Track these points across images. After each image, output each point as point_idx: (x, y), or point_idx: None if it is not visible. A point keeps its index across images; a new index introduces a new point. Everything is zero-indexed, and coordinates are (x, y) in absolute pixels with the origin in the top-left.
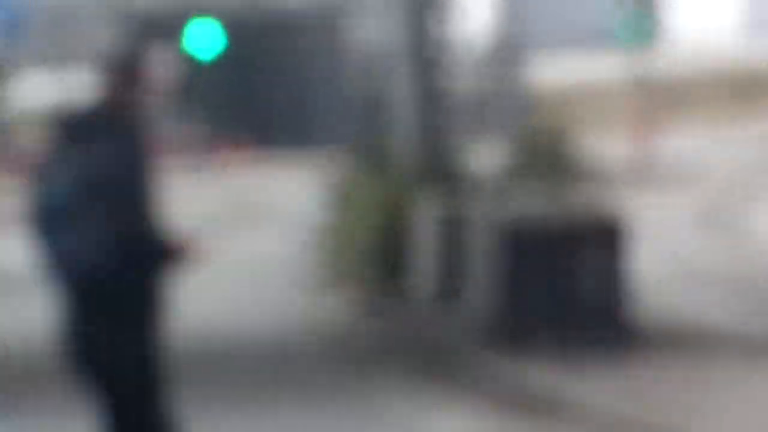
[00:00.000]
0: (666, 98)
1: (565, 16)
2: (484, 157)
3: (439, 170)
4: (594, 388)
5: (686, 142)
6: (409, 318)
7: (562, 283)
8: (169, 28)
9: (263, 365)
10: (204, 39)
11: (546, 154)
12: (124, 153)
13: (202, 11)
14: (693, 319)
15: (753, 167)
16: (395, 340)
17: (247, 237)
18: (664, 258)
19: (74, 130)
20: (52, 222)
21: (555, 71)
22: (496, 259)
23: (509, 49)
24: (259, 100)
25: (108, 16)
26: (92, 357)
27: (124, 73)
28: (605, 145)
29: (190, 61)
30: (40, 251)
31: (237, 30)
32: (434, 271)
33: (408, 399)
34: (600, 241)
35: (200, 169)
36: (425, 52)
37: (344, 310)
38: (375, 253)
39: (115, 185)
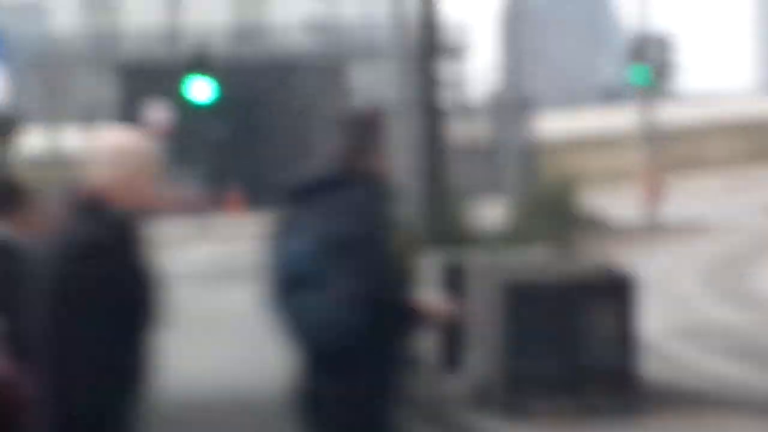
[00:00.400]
0: (677, 154)
1: (573, 72)
2: (490, 210)
3: (443, 224)
4: None
5: (697, 199)
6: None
7: (568, 343)
8: (164, 78)
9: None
10: (201, 88)
11: (552, 209)
12: (368, 208)
13: (199, 60)
14: (701, 377)
15: (763, 225)
16: None
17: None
18: (672, 314)
19: (311, 189)
20: (293, 285)
21: (563, 126)
22: (499, 316)
23: (513, 104)
24: (255, 150)
25: (100, 67)
26: (327, 418)
27: (364, 128)
28: (614, 200)
29: (189, 110)
30: (281, 315)
31: (234, 77)
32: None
33: None
34: (608, 297)
35: None
36: (430, 101)
37: None
38: None
39: (362, 242)
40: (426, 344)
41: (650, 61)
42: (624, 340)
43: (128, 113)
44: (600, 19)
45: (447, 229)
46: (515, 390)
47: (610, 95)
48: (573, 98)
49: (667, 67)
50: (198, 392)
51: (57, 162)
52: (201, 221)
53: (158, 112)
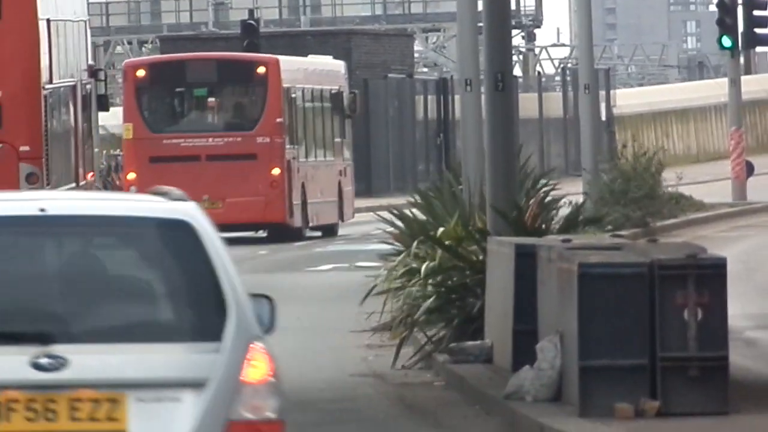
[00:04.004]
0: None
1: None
2: (568, 188)
3: (515, 203)
4: None
5: None
6: (476, 371)
7: (651, 333)
8: None
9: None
10: None
11: (635, 187)
12: None
13: None
14: None
15: None
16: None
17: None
18: (758, 295)
19: None
20: None
21: (645, 99)
22: (574, 305)
23: (593, 76)
24: None
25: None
26: None
27: None
28: (701, 177)
29: None
30: None
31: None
32: (508, 315)
33: None
34: (696, 283)
35: None
36: (504, 72)
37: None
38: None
39: None
40: (496, 339)
41: (739, 29)
42: (713, 329)
43: None
44: None
45: (519, 209)
46: (592, 385)
47: (695, 65)
48: (655, 69)
49: (755, 36)
50: None
51: None
52: None
53: None
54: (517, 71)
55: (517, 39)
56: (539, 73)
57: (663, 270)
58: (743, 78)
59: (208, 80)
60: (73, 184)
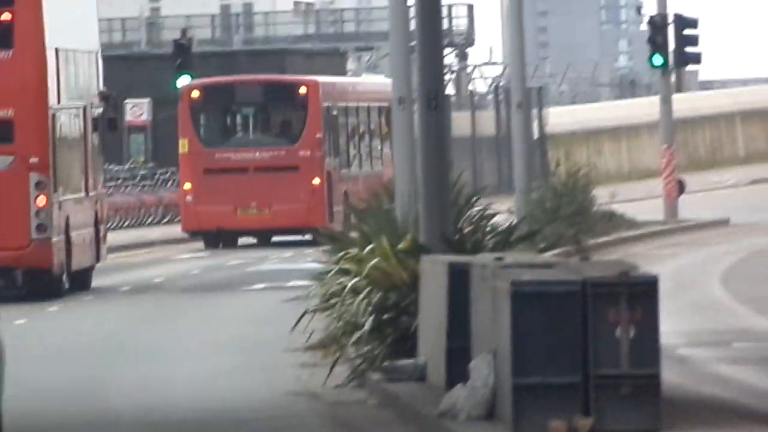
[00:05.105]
0: (697, 146)
1: (588, 60)
2: (499, 206)
3: (448, 221)
4: None
5: (718, 194)
6: (410, 389)
7: (584, 351)
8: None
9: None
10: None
11: (567, 205)
12: None
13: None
14: (727, 386)
15: None
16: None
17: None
18: (694, 318)
19: None
20: None
21: (578, 116)
22: (507, 323)
23: (525, 94)
24: None
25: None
26: None
27: None
28: (632, 195)
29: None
30: None
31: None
32: (441, 333)
33: None
34: (628, 300)
35: None
36: (435, 90)
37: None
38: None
39: None
40: (430, 357)
41: (670, 48)
42: (646, 346)
43: None
44: (616, 5)
45: (452, 227)
46: (525, 403)
47: (627, 84)
48: (587, 87)
49: (686, 55)
50: None
51: None
52: None
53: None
54: (450, 90)
55: (450, 58)
56: (472, 91)
57: (595, 288)
58: (674, 96)
59: (255, 100)
60: (83, 194)
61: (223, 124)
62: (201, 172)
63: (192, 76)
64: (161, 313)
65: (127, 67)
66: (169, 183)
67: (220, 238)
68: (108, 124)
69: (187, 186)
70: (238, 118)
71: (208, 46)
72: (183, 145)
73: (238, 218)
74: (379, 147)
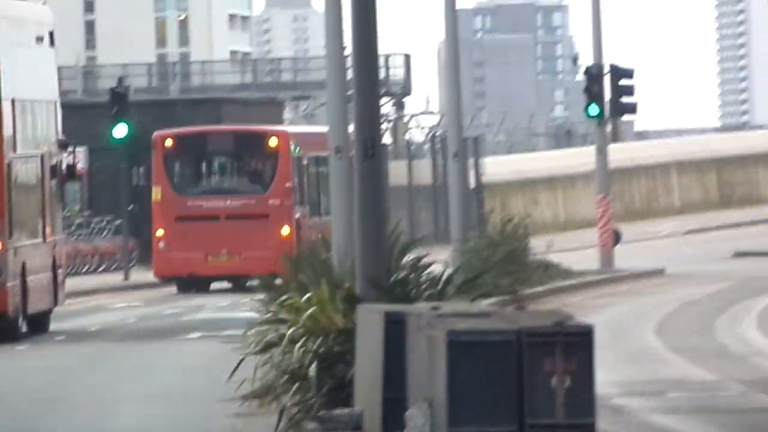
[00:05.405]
0: (634, 195)
1: (524, 110)
2: (435, 255)
3: (384, 270)
4: None
5: (656, 244)
6: None
7: (517, 397)
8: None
9: None
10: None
11: (504, 254)
12: None
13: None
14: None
15: (725, 271)
16: None
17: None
18: (631, 368)
19: None
20: None
21: (514, 167)
22: (443, 372)
23: (461, 144)
24: None
25: None
26: None
27: None
28: (569, 245)
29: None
30: None
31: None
32: (377, 382)
33: None
34: (563, 350)
35: None
36: (372, 140)
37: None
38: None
39: None
40: (366, 406)
41: (606, 98)
42: (581, 396)
43: None
44: (552, 55)
45: (388, 276)
46: None
47: (563, 134)
48: (523, 137)
49: (621, 105)
50: None
51: None
52: None
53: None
54: (387, 139)
55: (387, 107)
56: (408, 140)
57: (531, 337)
58: (611, 146)
59: (226, 150)
60: (40, 239)
61: (196, 173)
62: (173, 219)
63: (129, 125)
64: (97, 362)
65: (63, 116)
66: (105, 232)
67: (192, 284)
68: (67, 172)
69: (160, 233)
70: (210, 167)
71: (145, 95)
72: (156, 193)
73: (209, 264)
74: None
